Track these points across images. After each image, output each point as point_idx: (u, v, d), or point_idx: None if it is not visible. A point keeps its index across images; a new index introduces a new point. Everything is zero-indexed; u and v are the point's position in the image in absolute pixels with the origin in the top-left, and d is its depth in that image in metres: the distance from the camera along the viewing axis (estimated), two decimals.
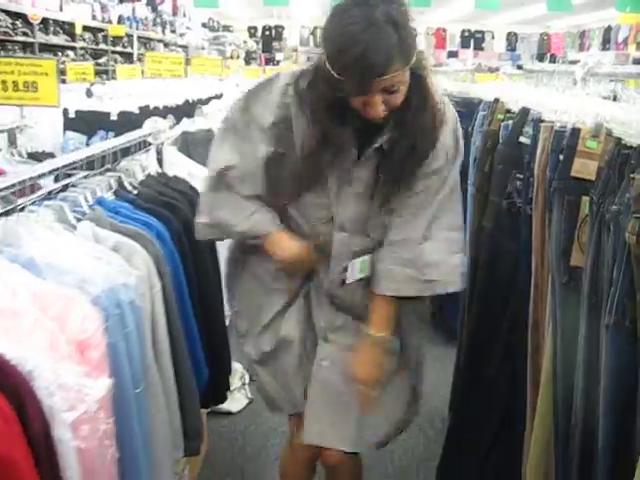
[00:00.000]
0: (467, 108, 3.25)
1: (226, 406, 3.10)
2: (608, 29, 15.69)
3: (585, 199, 1.59)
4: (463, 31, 18.33)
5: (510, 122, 2.20)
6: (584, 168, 1.62)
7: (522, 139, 2.05)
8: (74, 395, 1.07)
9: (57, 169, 1.85)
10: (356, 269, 1.79)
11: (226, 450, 2.93)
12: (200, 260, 2.18)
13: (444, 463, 2.52)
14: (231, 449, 2.95)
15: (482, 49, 18.16)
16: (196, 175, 2.53)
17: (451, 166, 1.71)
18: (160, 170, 2.46)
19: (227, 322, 2.36)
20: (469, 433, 2.36)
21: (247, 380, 3.37)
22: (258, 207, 1.79)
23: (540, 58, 16.09)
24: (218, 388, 2.23)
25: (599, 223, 1.45)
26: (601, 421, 1.35)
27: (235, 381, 3.27)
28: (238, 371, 3.32)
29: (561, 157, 1.68)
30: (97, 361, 1.25)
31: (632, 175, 1.27)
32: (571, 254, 1.64)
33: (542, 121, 1.92)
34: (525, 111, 2.07)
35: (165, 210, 2.05)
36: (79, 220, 1.71)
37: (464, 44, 18.30)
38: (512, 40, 18.67)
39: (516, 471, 2.02)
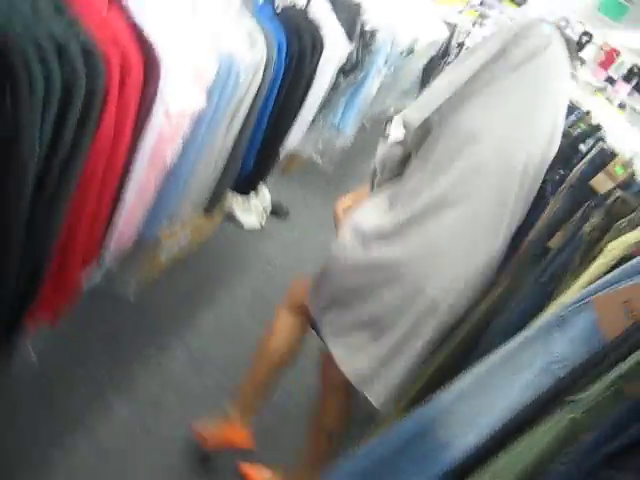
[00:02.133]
0: None
1: (242, 217, 3.58)
2: None
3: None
4: (634, 66, 17.81)
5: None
6: (601, 183, 1.97)
7: (581, 146, 2.37)
8: (181, 95, 1.51)
9: None
10: None
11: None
12: (292, 89, 2.57)
13: None
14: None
15: None
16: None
17: None
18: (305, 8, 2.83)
19: None
20: None
21: (267, 212, 3.84)
22: None
23: None
24: (250, 182, 2.68)
25: (581, 221, 1.83)
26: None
27: (258, 202, 3.72)
28: (266, 197, 3.77)
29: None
30: (200, 90, 1.68)
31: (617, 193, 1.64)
32: (552, 237, 2.01)
33: (604, 141, 2.25)
34: (597, 127, 2.39)
35: (293, 35, 2.44)
36: None
37: (627, 78, 17.80)
38: None
39: None
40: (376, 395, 1.88)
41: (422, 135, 1.91)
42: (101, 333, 2.39)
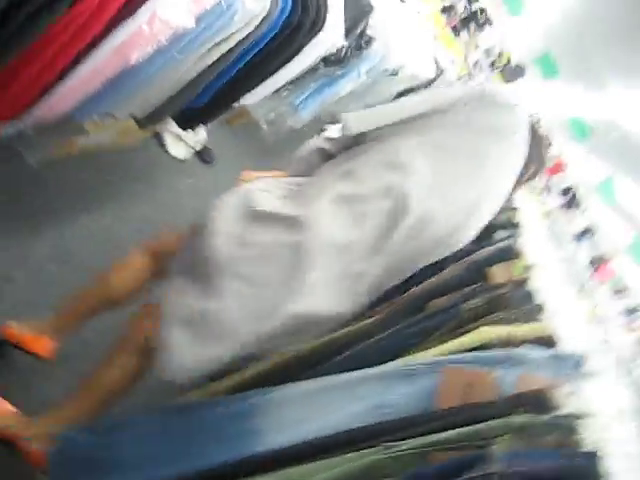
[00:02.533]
0: None
1: (169, 142, 3.53)
2: None
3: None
4: (572, 187, 18.65)
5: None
6: (497, 274, 2.09)
7: (497, 233, 2.50)
8: (174, 7, 1.50)
9: None
10: None
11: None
12: (275, 53, 2.56)
13: None
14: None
15: None
16: None
17: None
18: None
19: None
20: None
21: (194, 150, 3.80)
22: None
23: None
24: (194, 118, 2.66)
25: (465, 296, 1.93)
26: None
27: (191, 137, 3.68)
28: (200, 136, 3.73)
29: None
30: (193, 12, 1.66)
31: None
32: (436, 299, 2.12)
33: (516, 239, 2.38)
34: (517, 225, 2.54)
35: (300, 4, 2.43)
36: None
37: (564, 192, 18.59)
38: None
39: None
40: (175, 368, 1.66)
41: (351, 143, 1.89)
42: None
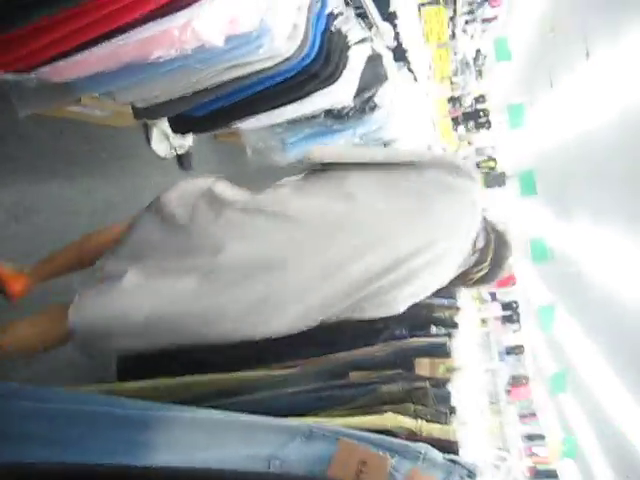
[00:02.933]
0: None
1: (155, 138, 3.55)
2: None
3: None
4: (514, 302, 18.99)
5: None
6: (422, 367, 2.14)
7: (434, 327, 2.56)
8: (209, 23, 1.54)
9: None
10: None
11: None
12: (285, 92, 2.64)
13: None
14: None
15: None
16: None
17: None
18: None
19: None
20: None
21: (175, 152, 3.82)
22: None
23: None
24: (187, 125, 2.70)
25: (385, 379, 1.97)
26: None
27: (176, 139, 3.70)
28: (186, 141, 3.76)
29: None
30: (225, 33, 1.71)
31: None
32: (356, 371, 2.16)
33: (450, 339, 2.44)
34: (455, 324, 2.60)
35: (323, 56, 2.52)
36: None
37: (505, 305, 18.89)
38: None
39: None
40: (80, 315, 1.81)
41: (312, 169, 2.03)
42: None
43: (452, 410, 1.76)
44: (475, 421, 2.28)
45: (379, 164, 1.95)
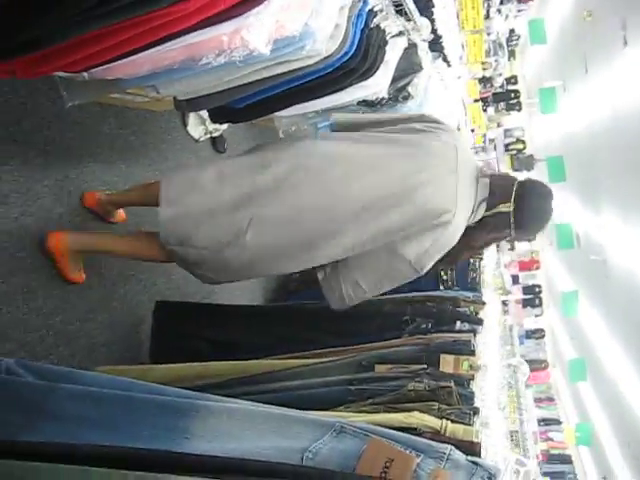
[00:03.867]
0: None
1: (191, 121, 3.62)
2: None
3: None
4: (538, 286, 18.92)
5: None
6: (446, 364, 2.21)
7: (459, 323, 2.62)
8: (258, 32, 1.60)
9: None
10: None
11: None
12: (322, 86, 2.69)
13: None
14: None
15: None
16: None
17: None
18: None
19: None
20: None
21: (210, 135, 3.89)
22: None
23: None
24: (227, 116, 2.76)
25: (411, 376, 2.05)
26: None
27: (213, 125, 3.77)
28: (222, 125, 3.82)
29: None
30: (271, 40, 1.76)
31: None
32: (382, 365, 2.23)
33: (474, 338, 2.50)
34: (480, 320, 2.66)
35: (362, 52, 2.56)
36: None
37: (528, 289, 18.80)
38: None
39: None
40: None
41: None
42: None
43: (475, 411, 1.82)
44: (496, 421, 2.34)
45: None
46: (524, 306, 17.26)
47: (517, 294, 18.37)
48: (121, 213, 2.83)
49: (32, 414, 1.64)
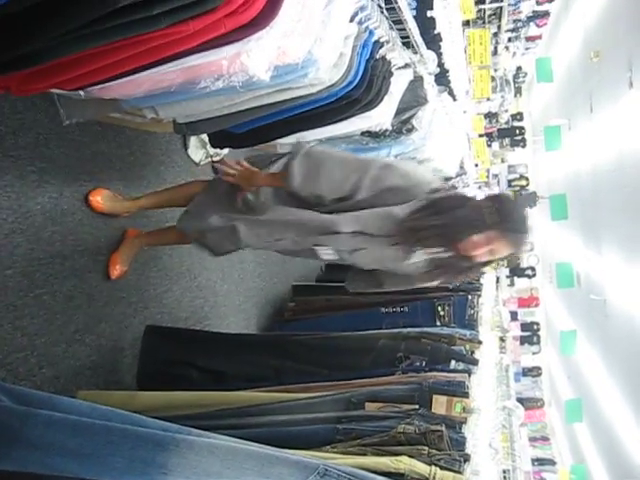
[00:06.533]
0: None
1: (192, 144, 3.59)
2: None
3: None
4: (536, 323, 18.79)
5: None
6: (438, 405, 2.15)
7: (453, 362, 2.57)
8: (259, 57, 1.56)
9: None
10: None
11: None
12: (324, 115, 2.66)
13: None
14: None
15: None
16: None
17: None
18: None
19: None
20: None
21: (210, 160, 3.86)
22: None
23: None
24: (227, 141, 2.73)
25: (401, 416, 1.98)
26: None
27: (214, 149, 3.73)
28: (222, 150, 3.79)
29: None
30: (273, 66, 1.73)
31: None
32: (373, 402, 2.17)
33: (469, 377, 2.44)
34: (475, 361, 2.60)
35: (365, 83, 2.53)
36: None
37: (526, 326, 18.63)
38: None
39: None
40: None
41: None
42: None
43: (466, 458, 1.76)
44: (488, 469, 2.27)
45: None
46: (522, 343, 17.14)
47: (515, 331, 18.24)
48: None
49: (7, 441, 1.59)
